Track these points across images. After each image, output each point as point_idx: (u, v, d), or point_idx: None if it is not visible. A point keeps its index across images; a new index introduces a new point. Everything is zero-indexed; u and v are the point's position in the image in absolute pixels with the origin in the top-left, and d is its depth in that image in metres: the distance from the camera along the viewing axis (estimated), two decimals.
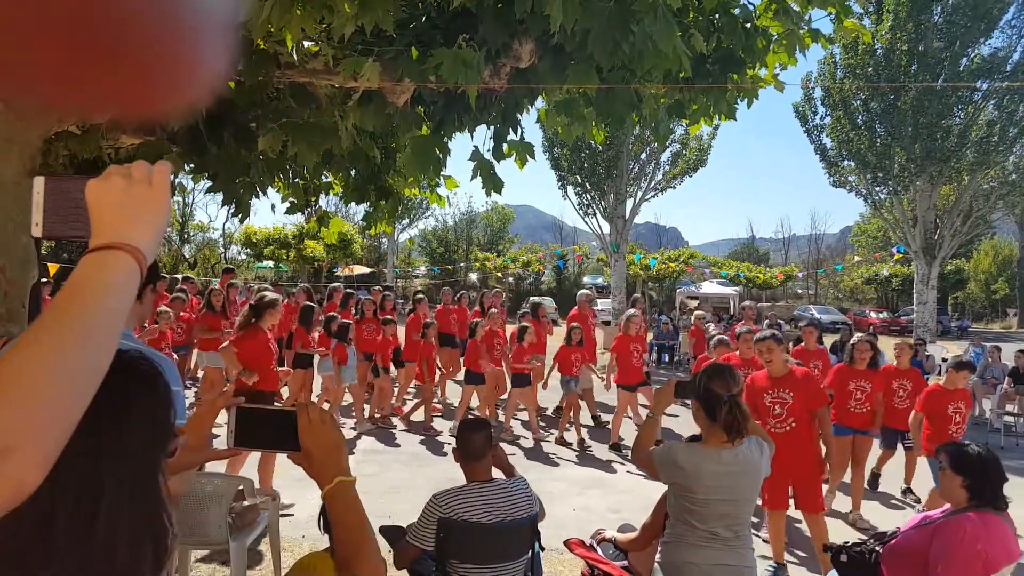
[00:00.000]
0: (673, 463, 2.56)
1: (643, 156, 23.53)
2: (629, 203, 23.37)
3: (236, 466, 5.09)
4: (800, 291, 43.31)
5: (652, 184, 23.87)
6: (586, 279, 37.59)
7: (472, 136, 3.34)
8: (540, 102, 3.67)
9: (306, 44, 2.80)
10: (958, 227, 18.75)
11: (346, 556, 1.04)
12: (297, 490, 5.22)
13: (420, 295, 9.79)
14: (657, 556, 2.64)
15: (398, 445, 7.44)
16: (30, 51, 0.49)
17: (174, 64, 0.55)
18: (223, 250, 37.04)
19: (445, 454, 6.94)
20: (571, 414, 7.85)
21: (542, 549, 3.08)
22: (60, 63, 0.50)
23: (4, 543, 0.70)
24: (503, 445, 5.12)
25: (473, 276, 33.60)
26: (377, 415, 8.23)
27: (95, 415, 0.74)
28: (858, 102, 18.70)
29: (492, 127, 3.19)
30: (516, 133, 3.23)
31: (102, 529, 0.73)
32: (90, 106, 0.58)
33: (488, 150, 3.14)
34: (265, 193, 3.59)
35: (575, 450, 7.43)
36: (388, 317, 8.62)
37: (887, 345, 7.72)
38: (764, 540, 4.94)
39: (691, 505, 2.51)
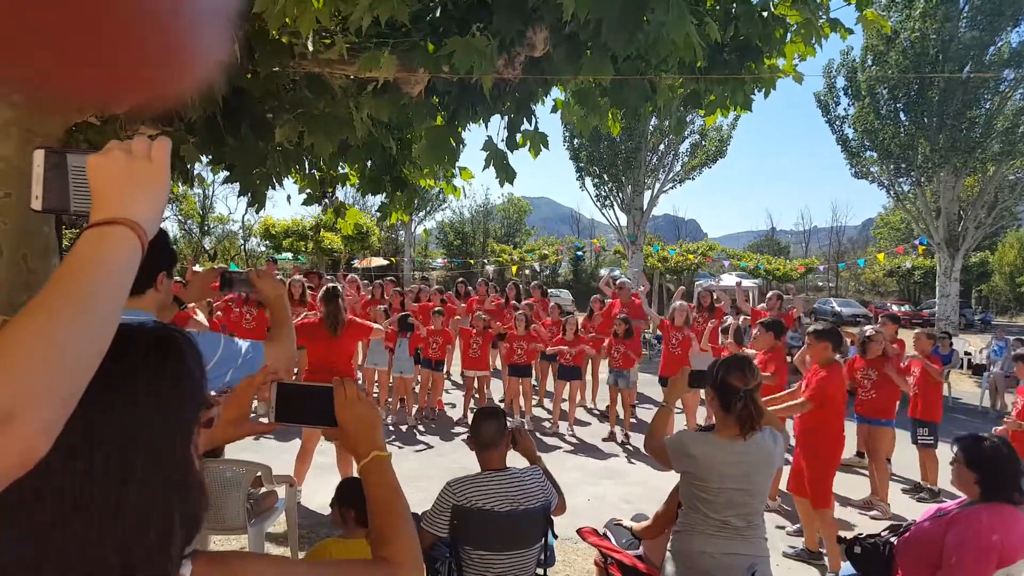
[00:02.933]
0: (686, 452, 2.55)
1: (662, 147, 23.35)
2: (647, 195, 23.23)
3: (302, 467, 5.14)
4: (820, 284, 42.78)
5: (670, 175, 23.70)
6: (603, 271, 37.46)
7: (487, 126, 3.34)
8: (556, 92, 3.67)
9: (321, 35, 2.82)
10: (982, 219, 18.37)
11: (381, 532, 1.02)
12: (315, 478, 5.29)
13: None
14: (669, 544, 2.64)
15: (413, 435, 7.51)
16: (43, 43, 0.51)
17: (177, 48, 0.56)
18: (243, 242, 37.42)
19: (460, 444, 6.99)
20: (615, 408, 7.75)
21: (555, 537, 3.10)
22: (71, 54, 0.52)
23: (33, 520, 0.71)
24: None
25: (490, 268, 33.63)
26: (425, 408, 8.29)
27: (123, 385, 0.75)
28: (884, 91, 18.35)
29: (506, 117, 3.19)
30: (530, 123, 3.22)
31: (134, 498, 0.73)
32: (102, 94, 0.59)
33: (502, 140, 3.14)
34: (281, 184, 3.63)
35: (607, 441, 7.43)
36: (437, 308, 8.60)
37: (908, 336, 7.60)
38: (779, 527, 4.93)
39: (704, 494, 2.51)
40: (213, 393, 1.60)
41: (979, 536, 2.44)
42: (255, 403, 1.31)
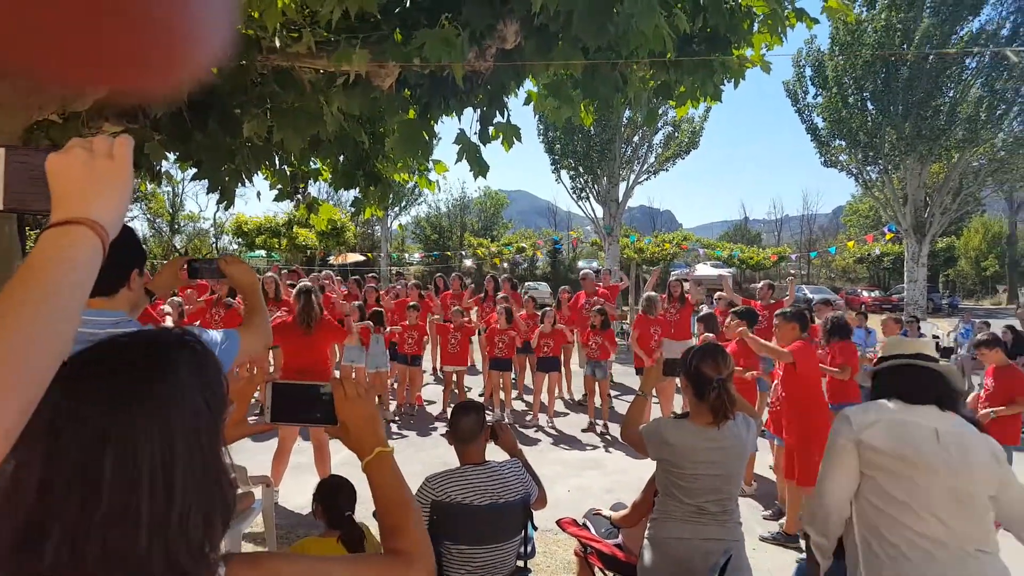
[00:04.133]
0: (661, 440, 2.58)
1: (636, 139, 23.49)
2: (622, 186, 23.38)
3: (279, 467, 5.10)
4: (793, 271, 43.48)
5: (645, 167, 23.87)
6: (581, 263, 37.60)
7: (460, 119, 3.33)
8: (529, 84, 3.66)
9: (289, 28, 2.78)
10: (948, 205, 18.87)
11: (389, 527, 1.04)
12: (292, 478, 5.25)
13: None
14: (645, 532, 2.67)
15: (393, 431, 7.48)
16: (35, 25, 0.50)
17: (178, 39, 0.56)
18: (214, 240, 36.80)
19: (439, 440, 6.98)
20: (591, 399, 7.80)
21: (535, 529, 3.12)
22: (71, 40, 0.51)
23: (81, 528, 0.69)
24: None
25: (468, 262, 33.55)
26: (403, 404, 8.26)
27: (159, 391, 0.75)
28: (851, 81, 18.68)
29: (479, 110, 3.18)
30: (503, 116, 3.21)
31: (180, 503, 0.73)
32: (95, 80, 0.58)
33: (475, 133, 3.13)
34: (251, 180, 3.57)
35: (587, 432, 7.49)
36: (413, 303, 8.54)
37: (876, 323, 7.77)
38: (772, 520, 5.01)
39: (679, 481, 2.54)
40: None
41: None
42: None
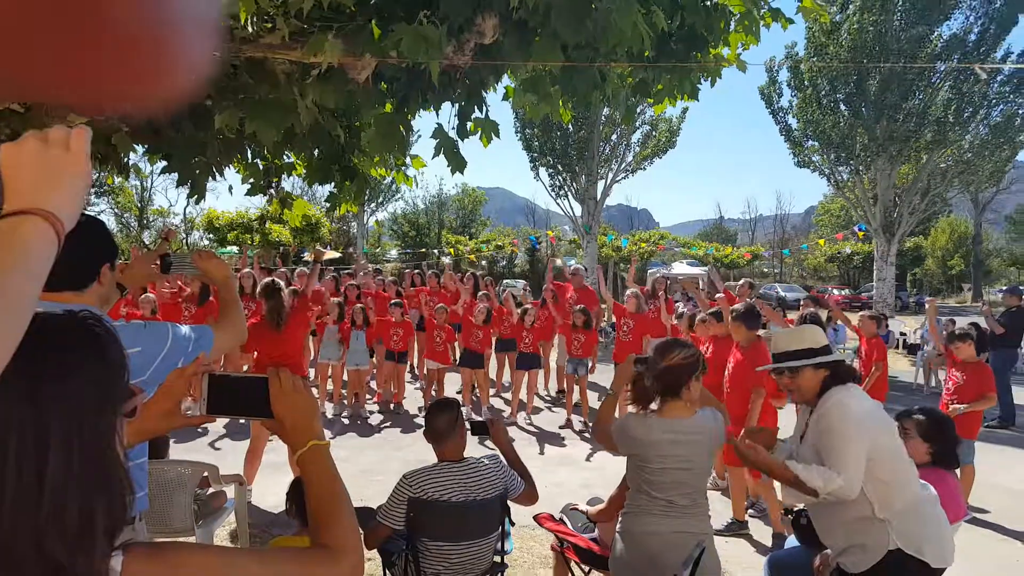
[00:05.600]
0: (627, 435, 2.61)
1: (614, 137, 23.61)
2: (600, 184, 23.47)
3: (252, 466, 5.02)
4: (766, 269, 44.16)
5: (623, 165, 24.00)
6: (558, 261, 37.67)
7: (437, 114, 3.30)
8: (507, 79, 3.64)
9: (262, 18, 2.72)
10: (916, 205, 19.26)
11: (320, 518, 1.01)
12: (266, 476, 5.18)
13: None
14: (617, 526, 2.68)
15: (370, 429, 7.42)
16: (19, 42, 0.49)
17: (161, 54, 0.55)
18: (184, 236, 36.12)
19: (419, 437, 6.94)
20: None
21: (512, 524, 3.11)
22: (51, 56, 0.50)
23: None
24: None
25: (446, 259, 33.43)
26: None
27: (38, 373, 0.73)
28: (825, 83, 18.98)
29: (457, 105, 3.15)
30: (481, 111, 3.19)
31: (50, 489, 0.71)
32: (86, 101, 0.58)
33: (453, 128, 3.10)
34: (222, 174, 3.50)
35: (564, 428, 7.53)
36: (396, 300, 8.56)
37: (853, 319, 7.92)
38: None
39: (648, 475, 2.56)
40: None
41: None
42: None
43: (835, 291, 30.96)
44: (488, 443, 5.42)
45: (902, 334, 15.67)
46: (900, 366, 13.38)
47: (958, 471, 3.24)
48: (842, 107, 18.87)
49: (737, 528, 4.70)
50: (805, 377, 2.55)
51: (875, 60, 17.37)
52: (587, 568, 3.22)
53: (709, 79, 3.38)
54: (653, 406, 2.62)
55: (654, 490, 2.54)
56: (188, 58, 0.57)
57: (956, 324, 10.87)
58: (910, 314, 24.80)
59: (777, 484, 3.44)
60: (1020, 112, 17.71)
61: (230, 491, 3.95)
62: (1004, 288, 16.44)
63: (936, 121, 17.60)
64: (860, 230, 20.29)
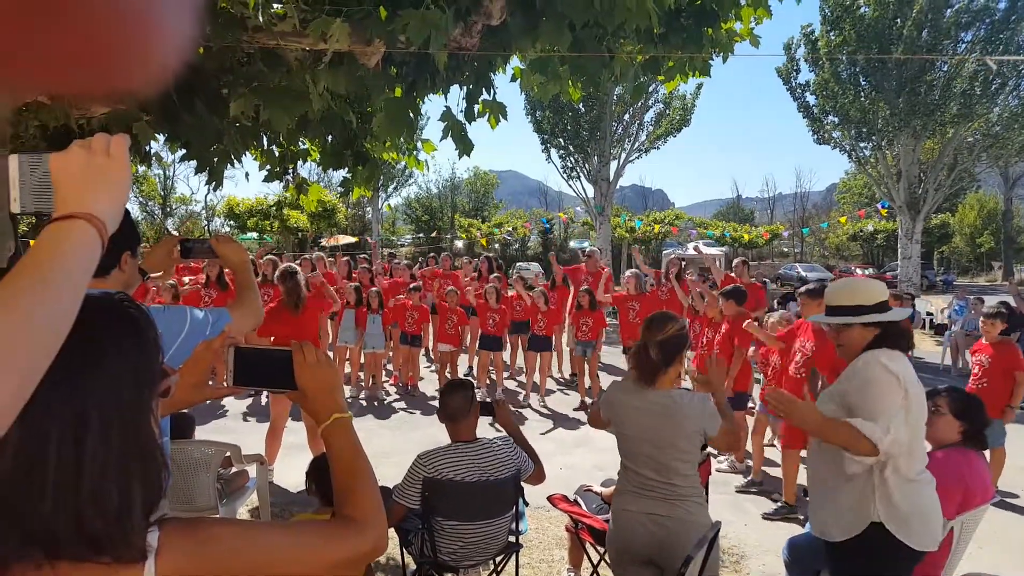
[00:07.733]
0: (607, 400, 2.66)
1: (626, 117, 23.29)
2: (613, 165, 23.22)
3: (273, 446, 5.10)
4: (786, 249, 43.59)
5: (636, 145, 23.68)
6: (572, 243, 37.54)
7: (446, 97, 3.31)
8: (515, 61, 3.63)
9: (274, 6, 2.74)
10: (942, 181, 18.80)
11: (344, 491, 1.04)
12: (286, 456, 5.29)
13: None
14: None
15: (387, 411, 7.53)
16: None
17: (140, 35, 0.57)
18: (206, 223, 36.55)
19: (434, 419, 7.03)
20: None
21: (527, 505, 3.16)
22: (27, 43, 0.52)
23: None
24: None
25: (459, 243, 33.46)
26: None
27: (76, 357, 0.76)
28: (843, 57, 18.54)
29: (465, 87, 3.15)
30: (489, 93, 3.19)
31: (89, 470, 0.75)
32: (60, 83, 0.60)
33: (461, 111, 3.10)
34: (240, 160, 3.55)
35: (578, 411, 7.55)
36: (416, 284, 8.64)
37: None
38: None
39: (624, 444, 2.59)
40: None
41: (949, 469, 2.66)
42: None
43: (858, 270, 30.41)
44: (496, 425, 5.48)
45: (928, 314, 15.37)
46: (926, 347, 13.15)
47: (987, 452, 3.22)
48: (861, 81, 18.42)
49: (786, 512, 4.67)
50: (852, 334, 2.40)
51: (895, 32, 16.89)
52: (602, 549, 3.26)
53: (721, 55, 3.34)
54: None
55: (632, 464, 2.57)
56: (170, 33, 0.58)
57: (984, 304, 10.67)
58: (937, 293, 24.31)
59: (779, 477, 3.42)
60: None
61: (252, 470, 4.05)
62: None
63: (962, 93, 17.09)
64: (883, 207, 19.89)
